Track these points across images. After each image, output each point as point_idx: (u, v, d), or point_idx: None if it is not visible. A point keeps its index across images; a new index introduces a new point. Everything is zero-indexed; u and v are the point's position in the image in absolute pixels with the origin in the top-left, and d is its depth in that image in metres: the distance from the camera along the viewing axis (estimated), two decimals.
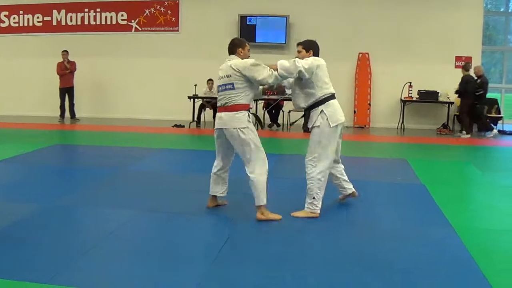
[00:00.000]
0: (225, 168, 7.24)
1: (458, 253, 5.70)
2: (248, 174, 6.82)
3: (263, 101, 17.10)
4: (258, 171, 6.79)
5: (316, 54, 7.65)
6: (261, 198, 6.79)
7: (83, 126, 17.45)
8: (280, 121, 17.74)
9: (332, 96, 7.36)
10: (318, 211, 7.03)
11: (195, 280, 4.82)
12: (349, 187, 7.78)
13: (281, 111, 17.72)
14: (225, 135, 6.91)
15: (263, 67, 6.88)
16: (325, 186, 7.12)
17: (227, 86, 6.89)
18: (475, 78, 16.77)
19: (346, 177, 7.76)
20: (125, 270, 5.14)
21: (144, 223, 6.74)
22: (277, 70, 6.92)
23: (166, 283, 4.80)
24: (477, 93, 16.67)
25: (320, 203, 7.05)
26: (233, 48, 7.24)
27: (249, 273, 5.08)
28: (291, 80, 7.38)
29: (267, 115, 17.78)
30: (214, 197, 7.36)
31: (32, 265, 5.09)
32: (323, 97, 7.25)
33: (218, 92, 7.06)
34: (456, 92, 17.00)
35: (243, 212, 7.13)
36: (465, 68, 16.83)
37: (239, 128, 6.78)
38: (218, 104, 7.01)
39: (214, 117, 17.54)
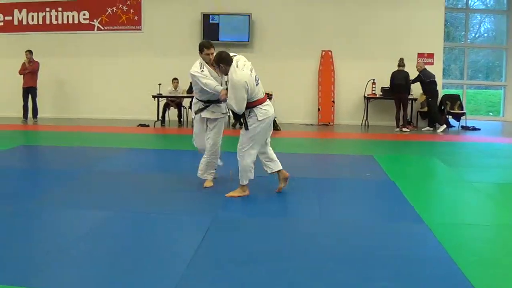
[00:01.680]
0: None
1: (432, 247, 5.74)
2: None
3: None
4: None
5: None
6: None
7: (48, 126, 17.28)
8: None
9: None
10: None
11: (172, 281, 4.77)
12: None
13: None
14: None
15: None
16: None
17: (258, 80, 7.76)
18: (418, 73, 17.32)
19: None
20: (99, 272, 5.04)
21: (118, 224, 6.64)
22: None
23: (142, 285, 4.75)
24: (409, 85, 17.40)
25: None
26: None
27: (226, 272, 5.06)
28: None
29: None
30: None
31: (4, 268, 5.00)
32: None
33: (256, 84, 7.67)
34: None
35: (216, 210, 7.12)
36: (398, 64, 17.20)
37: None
38: (261, 94, 7.74)
39: (179, 116, 17.62)
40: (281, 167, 8.03)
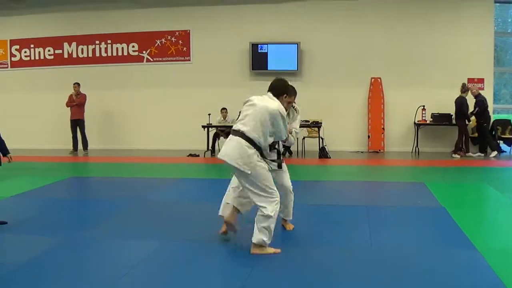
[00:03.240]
0: None
1: (486, 275, 5.67)
2: None
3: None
4: None
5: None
6: None
7: (97, 158, 17.47)
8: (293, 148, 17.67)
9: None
10: None
11: None
12: None
13: None
14: None
15: None
16: None
17: None
18: (474, 98, 17.18)
19: None
20: None
21: (169, 254, 6.70)
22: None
23: None
24: (473, 112, 17.21)
25: None
26: None
27: None
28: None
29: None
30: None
31: None
32: None
33: None
34: (471, 114, 17.13)
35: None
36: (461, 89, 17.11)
37: None
38: None
39: None
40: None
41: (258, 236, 6.44)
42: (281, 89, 6.81)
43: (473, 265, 6.05)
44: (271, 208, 6.40)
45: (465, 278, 5.62)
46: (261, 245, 6.47)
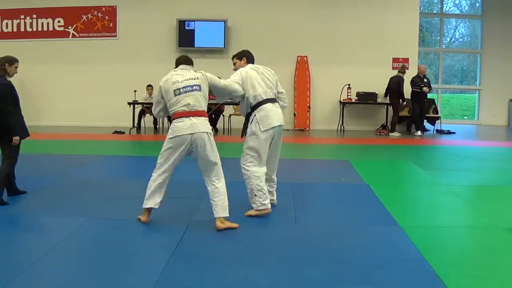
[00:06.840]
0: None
1: (407, 250, 5.81)
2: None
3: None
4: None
5: (251, 61, 7.99)
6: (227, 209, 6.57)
7: None
8: (221, 126, 17.64)
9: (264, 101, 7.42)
10: (268, 206, 7.03)
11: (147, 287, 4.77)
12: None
13: (221, 115, 17.60)
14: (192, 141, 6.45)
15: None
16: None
17: (194, 87, 6.58)
18: (421, 77, 17.57)
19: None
20: (74, 281, 5.01)
21: (92, 231, 6.61)
22: None
23: None
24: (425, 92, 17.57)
25: (266, 197, 7.06)
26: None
27: (201, 277, 5.05)
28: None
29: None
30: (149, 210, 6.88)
31: None
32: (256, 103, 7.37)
33: (180, 94, 6.52)
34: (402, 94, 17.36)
35: (191, 216, 7.08)
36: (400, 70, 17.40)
37: (208, 133, 6.60)
38: (184, 108, 6.50)
39: (154, 122, 17.58)
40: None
41: None
42: None
43: (395, 241, 6.17)
44: None
45: (386, 253, 5.73)
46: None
